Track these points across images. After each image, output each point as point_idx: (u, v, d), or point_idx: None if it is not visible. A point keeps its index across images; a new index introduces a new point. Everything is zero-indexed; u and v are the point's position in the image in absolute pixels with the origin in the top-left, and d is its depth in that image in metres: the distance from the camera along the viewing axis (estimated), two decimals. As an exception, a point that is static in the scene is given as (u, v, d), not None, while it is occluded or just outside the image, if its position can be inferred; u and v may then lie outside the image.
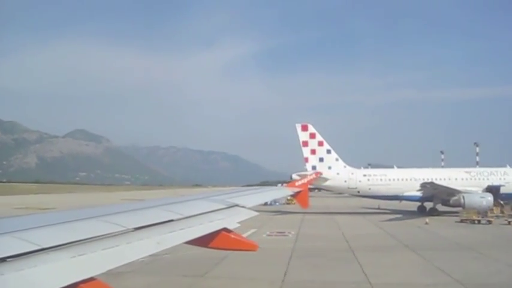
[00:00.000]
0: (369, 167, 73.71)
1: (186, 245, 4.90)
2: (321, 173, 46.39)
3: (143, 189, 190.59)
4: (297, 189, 11.54)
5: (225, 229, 5.10)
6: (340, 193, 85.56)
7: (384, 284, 15.27)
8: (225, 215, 5.66)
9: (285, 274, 16.55)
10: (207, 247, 5.06)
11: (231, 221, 5.46)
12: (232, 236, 5.14)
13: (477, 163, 78.14)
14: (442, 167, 77.84)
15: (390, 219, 39.94)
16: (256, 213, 6.59)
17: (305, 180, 13.01)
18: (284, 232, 29.96)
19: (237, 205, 6.43)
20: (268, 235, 28.86)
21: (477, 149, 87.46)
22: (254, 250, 5.53)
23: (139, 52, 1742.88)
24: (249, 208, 6.61)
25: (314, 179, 21.25)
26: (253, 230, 30.17)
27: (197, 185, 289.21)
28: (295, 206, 55.18)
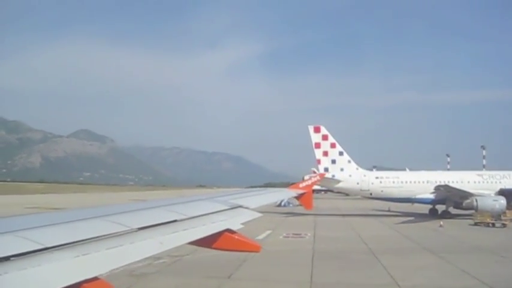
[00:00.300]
0: (374, 169, 73.61)
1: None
2: (325, 175, 46.52)
3: (149, 189, 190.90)
4: (300, 191, 11.56)
5: (229, 230, 5.09)
6: (347, 195, 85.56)
7: (412, 286, 15.24)
8: (229, 216, 5.66)
9: (311, 276, 16.50)
10: (211, 248, 5.07)
11: (234, 222, 5.45)
12: (236, 236, 5.11)
13: (484, 166, 77.81)
14: (448, 169, 77.65)
15: (403, 222, 39.77)
16: (259, 215, 6.53)
17: (309, 182, 12.97)
18: (300, 234, 29.88)
19: (240, 206, 6.43)
20: (285, 237, 28.80)
21: (484, 152, 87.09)
22: (257, 251, 5.52)
23: (143, 53, 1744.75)
24: (253, 209, 6.57)
25: (318, 180, 21.31)
26: (268, 232, 30.23)
27: (201, 186, 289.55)
28: (302, 208, 55.18)
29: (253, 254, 21.12)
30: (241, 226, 5.43)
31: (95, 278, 2.97)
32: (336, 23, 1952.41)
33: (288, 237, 28.80)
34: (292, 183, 14.69)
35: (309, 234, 29.73)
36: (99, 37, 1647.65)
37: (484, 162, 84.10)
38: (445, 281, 16.13)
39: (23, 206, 48.61)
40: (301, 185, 12.37)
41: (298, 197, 11.84)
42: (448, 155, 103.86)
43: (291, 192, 11.61)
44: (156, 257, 18.84)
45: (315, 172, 53.72)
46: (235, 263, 18.53)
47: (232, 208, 6.13)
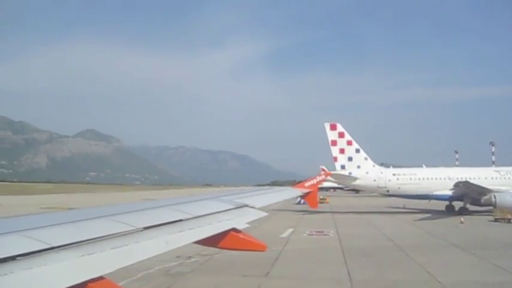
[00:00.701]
0: (382, 166, 73.59)
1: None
2: (330, 174, 46.66)
3: (157, 188, 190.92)
4: (306, 190, 11.53)
5: (234, 229, 5.14)
6: (357, 192, 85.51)
7: (454, 283, 15.08)
8: (234, 215, 5.72)
9: (349, 273, 16.42)
10: (216, 247, 5.13)
11: (239, 221, 5.52)
12: (241, 236, 5.17)
13: (493, 163, 77.58)
14: (457, 166, 77.51)
15: (422, 219, 39.63)
16: (265, 214, 6.57)
17: (314, 181, 12.98)
18: (323, 231, 29.79)
19: (246, 205, 6.48)
20: (309, 234, 28.72)
21: (493, 149, 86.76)
22: (263, 250, 5.55)
23: (149, 53, 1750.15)
24: (258, 208, 6.64)
25: (323, 180, 21.36)
26: (290, 230, 30.27)
27: (207, 185, 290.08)
28: (323, 205, 55.24)
29: (284, 251, 21.25)
30: (247, 225, 5.49)
31: (100, 278, 2.99)
32: (341, 21, 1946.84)
33: (312, 234, 28.72)
34: (299, 182, 14.77)
35: (332, 232, 29.66)
36: (105, 37, 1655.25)
37: (494, 158, 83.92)
38: (484, 277, 15.97)
39: (38, 206, 48.78)
40: (306, 184, 12.38)
41: (303, 196, 11.83)
42: (456, 152, 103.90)
43: (297, 191, 11.62)
44: (186, 256, 18.87)
45: (324, 170, 53.76)
46: (268, 261, 18.52)
47: (237, 207, 6.19)
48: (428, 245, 24.02)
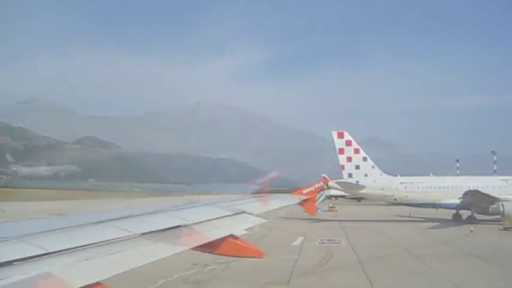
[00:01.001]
0: (384, 175, 73.44)
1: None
2: (328, 181, 46.64)
3: (157, 195, 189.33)
4: (304, 197, 11.60)
5: (232, 236, 5.18)
6: (359, 200, 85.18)
7: (479, 292, 15.05)
8: (232, 221, 5.78)
9: (370, 282, 16.35)
10: (214, 253, 5.16)
11: (237, 227, 5.57)
12: (239, 242, 5.22)
13: (495, 171, 77.44)
14: (458, 175, 77.41)
15: (431, 227, 39.33)
16: (263, 220, 6.62)
17: (312, 188, 13.02)
18: (334, 240, 29.69)
19: (244, 212, 6.53)
20: (320, 243, 28.59)
21: (494, 157, 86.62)
22: (260, 257, 5.62)
23: (149, 58, 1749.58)
24: (256, 215, 6.68)
25: (321, 187, 21.42)
26: (301, 238, 30.23)
27: (206, 192, 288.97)
28: (331, 214, 55.17)
29: (299, 260, 21.20)
30: (245, 232, 5.56)
31: (97, 283, 2.99)
32: (342, 28, 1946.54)
33: (324, 243, 28.58)
34: (298, 189, 14.88)
35: (343, 240, 29.55)
36: (104, 43, 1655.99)
37: (495, 167, 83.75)
38: (507, 287, 15.96)
39: (44, 213, 48.52)
40: (304, 191, 12.42)
41: (301, 203, 11.88)
42: (457, 161, 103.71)
43: (295, 198, 11.66)
44: (203, 264, 18.76)
45: (325, 178, 53.58)
46: (286, 268, 18.57)
47: (235, 214, 6.24)
48: (444, 254, 23.95)
